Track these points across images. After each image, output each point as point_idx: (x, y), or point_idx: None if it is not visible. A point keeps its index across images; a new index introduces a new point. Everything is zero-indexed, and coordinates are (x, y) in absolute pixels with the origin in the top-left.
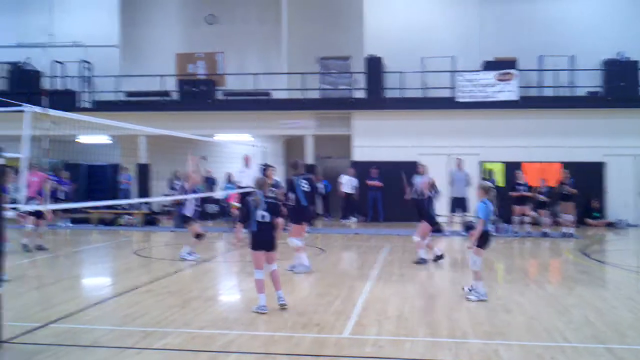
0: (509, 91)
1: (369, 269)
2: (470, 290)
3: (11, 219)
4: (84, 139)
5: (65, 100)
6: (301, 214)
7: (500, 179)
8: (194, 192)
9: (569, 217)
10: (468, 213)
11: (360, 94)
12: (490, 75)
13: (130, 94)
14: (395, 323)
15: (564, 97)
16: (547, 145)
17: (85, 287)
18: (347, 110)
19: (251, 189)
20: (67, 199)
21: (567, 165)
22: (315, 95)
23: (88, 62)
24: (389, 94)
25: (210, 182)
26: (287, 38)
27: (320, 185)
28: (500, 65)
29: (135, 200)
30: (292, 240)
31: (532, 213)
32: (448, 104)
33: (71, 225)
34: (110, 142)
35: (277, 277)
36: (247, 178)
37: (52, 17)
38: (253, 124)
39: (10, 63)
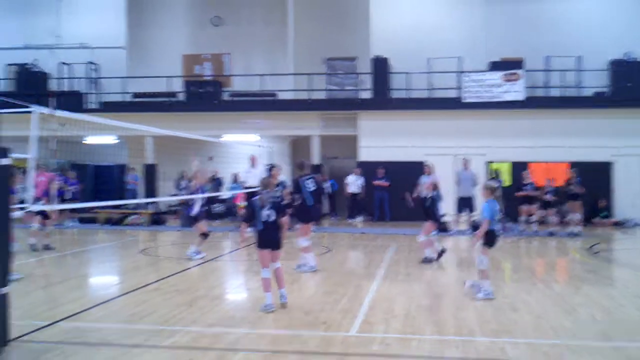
0: (516, 91)
1: (375, 268)
2: (472, 286)
3: (18, 218)
4: (90, 139)
5: (72, 101)
6: (307, 214)
7: (507, 179)
8: (200, 191)
9: (576, 217)
10: (475, 212)
11: (366, 95)
12: (497, 76)
13: (137, 95)
14: (402, 321)
15: (570, 98)
16: (554, 146)
17: (92, 286)
18: (353, 111)
19: (257, 189)
20: (75, 199)
21: (574, 165)
22: (321, 95)
23: (95, 64)
24: (395, 94)
25: (216, 183)
26: (293, 39)
27: (326, 185)
28: (507, 66)
29: (142, 200)
30: (300, 240)
31: (539, 212)
32: (454, 104)
33: (78, 224)
34: (117, 142)
35: (281, 275)
36: (253, 178)
37: (60, 19)
38: (259, 124)
39: (18, 65)
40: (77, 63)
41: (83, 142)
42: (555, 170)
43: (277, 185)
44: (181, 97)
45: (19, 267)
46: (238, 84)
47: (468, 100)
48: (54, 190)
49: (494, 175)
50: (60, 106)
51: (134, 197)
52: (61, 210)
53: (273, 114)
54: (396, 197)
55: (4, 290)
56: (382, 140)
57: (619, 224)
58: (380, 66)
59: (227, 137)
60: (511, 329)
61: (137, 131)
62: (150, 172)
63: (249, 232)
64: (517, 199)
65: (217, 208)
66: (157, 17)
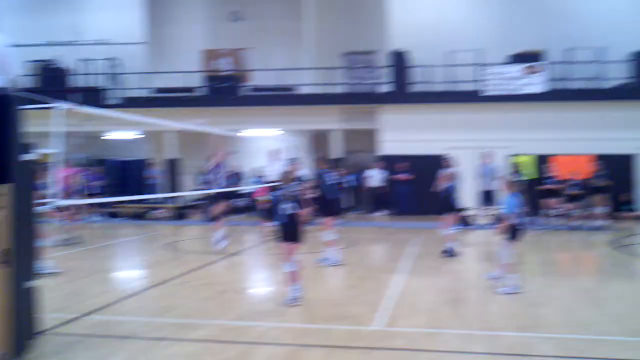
0: (537, 84)
1: (398, 261)
2: (493, 278)
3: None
4: (112, 134)
5: (93, 97)
6: (328, 208)
7: (531, 172)
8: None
9: (602, 210)
10: (497, 206)
11: (385, 88)
12: (517, 68)
13: (159, 90)
14: (427, 315)
15: (592, 90)
16: (577, 138)
17: (119, 280)
18: (373, 105)
19: (277, 183)
20: (99, 194)
21: (598, 158)
22: (340, 90)
23: (115, 60)
24: (415, 88)
25: (236, 177)
26: (312, 33)
27: (348, 179)
28: (527, 58)
29: (166, 195)
30: (324, 234)
31: (563, 206)
32: (475, 97)
33: (103, 219)
34: (140, 137)
35: (298, 269)
36: (274, 172)
37: (80, 16)
38: (278, 119)
39: (40, 61)
40: (98, 59)
41: (104, 137)
42: (579, 163)
43: (297, 179)
44: (201, 92)
45: (48, 261)
46: (257, 79)
47: (489, 93)
48: (78, 186)
49: (516, 169)
50: (81, 102)
51: (157, 192)
52: (87, 205)
53: (292, 108)
54: (419, 191)
55: (31, 284)
56: (403, 133)
57: None
58: (399, 59)
59: (247, 132)
60: (539, 323)
61: (159, 126)
62: (173, 166)
63: (271, 226)
64: (539, 192)
65: (238, 202)
66: (176, 13)
